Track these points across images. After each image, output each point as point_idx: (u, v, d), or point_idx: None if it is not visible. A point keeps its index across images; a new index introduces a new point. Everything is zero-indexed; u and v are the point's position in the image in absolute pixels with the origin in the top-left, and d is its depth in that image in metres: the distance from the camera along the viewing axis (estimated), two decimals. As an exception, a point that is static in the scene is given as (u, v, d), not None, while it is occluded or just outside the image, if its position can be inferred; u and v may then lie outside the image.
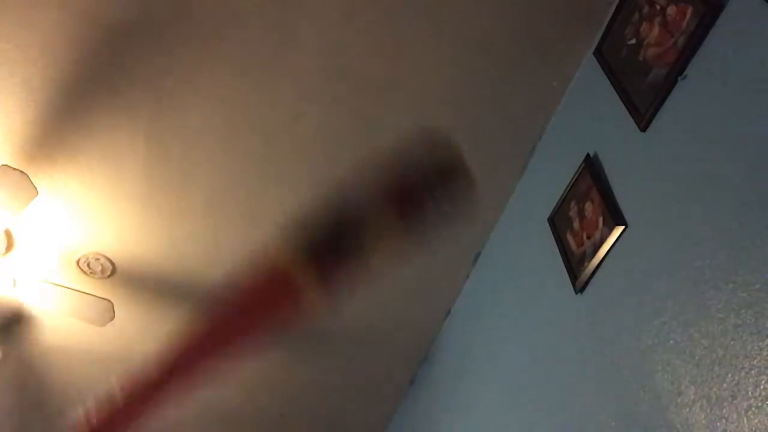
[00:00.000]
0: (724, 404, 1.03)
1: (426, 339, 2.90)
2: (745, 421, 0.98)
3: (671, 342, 1.21)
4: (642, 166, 1.48)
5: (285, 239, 0.66)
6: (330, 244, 0.64)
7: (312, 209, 0.66)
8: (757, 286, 1.03)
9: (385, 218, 0.64)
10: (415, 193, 0.65)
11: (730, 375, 1.04)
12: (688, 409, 1.12)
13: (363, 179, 0.68)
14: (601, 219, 1.58)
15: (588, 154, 1.73)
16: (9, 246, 2.31)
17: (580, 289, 1.62)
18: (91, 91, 1.92)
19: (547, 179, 2.02)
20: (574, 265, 1.67)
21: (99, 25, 1.78)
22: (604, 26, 1.80)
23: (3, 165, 1.88)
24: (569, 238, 1.74)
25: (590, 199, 1.66)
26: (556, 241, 1.81)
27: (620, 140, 1.61)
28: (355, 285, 0.65)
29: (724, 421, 1.02)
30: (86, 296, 2.22)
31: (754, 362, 0.99)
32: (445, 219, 0.67)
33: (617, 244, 1.50)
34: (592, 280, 1.58)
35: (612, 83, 1.68)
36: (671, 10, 1.46)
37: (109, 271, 2.43)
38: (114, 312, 2.29)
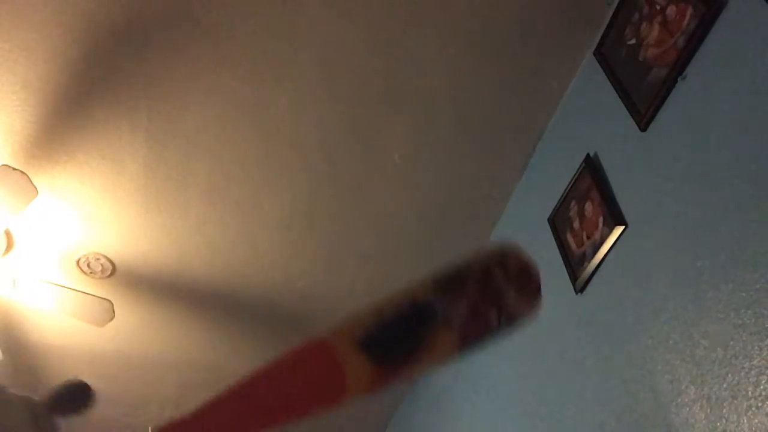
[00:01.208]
0: (724, 404, 1.03)
1: (426, 339, 2.90)
2: (745, 421, 0.98)
3: (671, 342, 1.21)
4: (642, 166, 1.48)
5: (349, 329, 0.64)
6: (391, 342, 0.63)
7: (381, 307, 0.65)
8: (757, 286, 1.03)
9: (448, 324, 0.64)
10: (483, 303, 0.67)
11: (730, 375, 1.04)
12: (688, 409, 1.12)
13: (435, 284, 0.68)
14: (601, 219, 1.58)
15: (588, 154, 1.73)
16: (9, 246, 2.31)
17: (580, 289, 1.61)
18: (92, 91, 1.92)
19: (547, 179, 2.02)
20: (574, 265, 1.67)
21: (99, 25, 1.78)
22: (604, 26, 1.80)
23: (3, 165, 1.88)
24: (569, 238, 1.74)
25: (590, 199, 1.66)
26: (556, 241, 1.81)
27: (620, 140, 1.61)
28: (399, 381, 0.65)
29: (724, 421, 1.02)
30: (86, 296, 2.22)
31: (754, 362, 0.99)
32: (503, 333, 0.70)
33: (617, 244, 1.50)
34: (592, 280, 1.58)
35: (612, 83, 1.68)
36: (671, 10, 1.46)
37: (109, 271, 2.43)
38: (114, 312, 2.29)
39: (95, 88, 1.92)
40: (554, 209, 1.87)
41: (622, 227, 1.48)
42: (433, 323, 0.64)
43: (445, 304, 0.65)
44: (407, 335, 0.63)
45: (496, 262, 0.70)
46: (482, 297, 0.67)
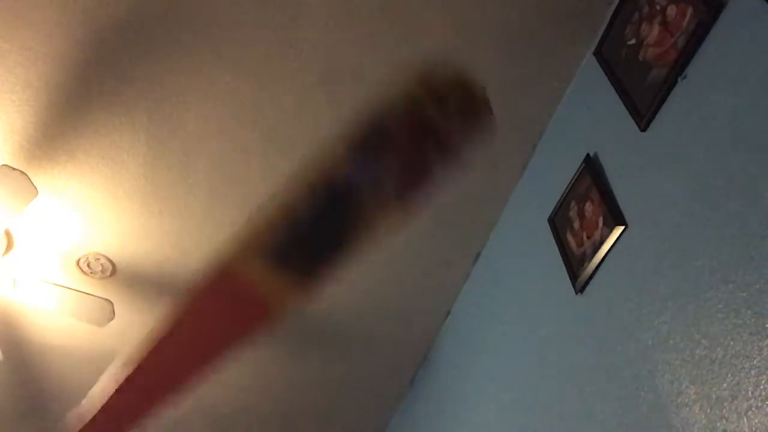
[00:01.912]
0: (724, 404, 1.03)
1: (426, 339, 2.90)
2: (745, 421, 0.98)
3: (671, 342, 1.21)
4: (642, 166, 1.48)
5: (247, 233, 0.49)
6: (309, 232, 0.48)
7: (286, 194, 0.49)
8: (757, 286, 1.02)
9: (381, 192, 0.48)
10: (416, 146, 0.49)
11: (730, 375, 1.04)
12: (688, 409, 1.12)
13: (348, 149, 0.51)
14: (601, 219, 1.58)
15: (588, 154, 1.73)
16: (9, 246, 2.31)
17: (580, 289, 1.61)
18: (92, 91, 1.92)
19: (547, 179, 2.02)
20: (574, 265, 1.67)
21: (100, 25, 1.78)
22: (604, 26, 1.80)
23: (3, 165, 1.88)
24: (569, 238, 1.74)
25: (590, 199, 1.66)
26: (556, 241, 1.81)
27: (620, 140, 1.61)
28: (341, 270, 0.50)
29: (724, 421, 1.02)
30: (86, 296, 2.22)
31: (754, 362, 0.99)
32: (462, 165, 0.52)
33: (617, 244, 1.50)
34: (592, 280, 1.58)
35: (612, 83, 1.68)
36: (671, 10, 1.46)
37: (109, 271, 2.43)
38: (114, 312, 2.29)
39: (95, 87, 1.92)
40: (554, 209, 1.87)
41: (622, 227, 1.48)
42: (362, 197, 0.48)
43: (369, 168, 0.48)
44: (332, 225, 0.48)
45: (422, 87, 0.51)
46: (413, 137, 0.49)
